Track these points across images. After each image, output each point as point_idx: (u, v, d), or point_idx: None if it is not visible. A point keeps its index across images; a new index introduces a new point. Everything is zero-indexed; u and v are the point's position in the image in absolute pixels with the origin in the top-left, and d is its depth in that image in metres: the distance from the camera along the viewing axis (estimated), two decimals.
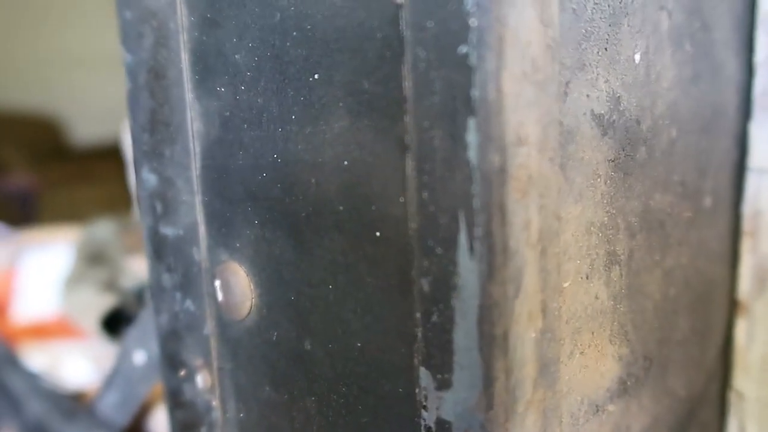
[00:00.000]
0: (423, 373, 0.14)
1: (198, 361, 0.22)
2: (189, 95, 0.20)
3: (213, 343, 0.21)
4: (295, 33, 0.16)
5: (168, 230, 0.22)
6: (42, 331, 0.60)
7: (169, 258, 0.22)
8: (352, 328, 0.16)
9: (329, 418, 0.17)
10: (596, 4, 0.15)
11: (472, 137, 0.12)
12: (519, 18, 0.12)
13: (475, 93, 0.12)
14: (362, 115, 0.15)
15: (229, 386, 0.21)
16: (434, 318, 0.14)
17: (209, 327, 0.21)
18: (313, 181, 0.16)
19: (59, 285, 0.61)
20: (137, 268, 0.64)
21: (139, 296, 0.55)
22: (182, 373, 0.23)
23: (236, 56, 0.18)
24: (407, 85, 0.14)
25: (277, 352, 0.19)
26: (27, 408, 0.41)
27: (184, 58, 0.20)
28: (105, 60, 4.19)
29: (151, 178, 0.22)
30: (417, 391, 0.15)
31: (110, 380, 0.35)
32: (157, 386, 0.34)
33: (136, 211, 1.25)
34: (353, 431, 0.16)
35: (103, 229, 0.71)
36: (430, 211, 0.13)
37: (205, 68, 0.19)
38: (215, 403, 0.22)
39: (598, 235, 0.16)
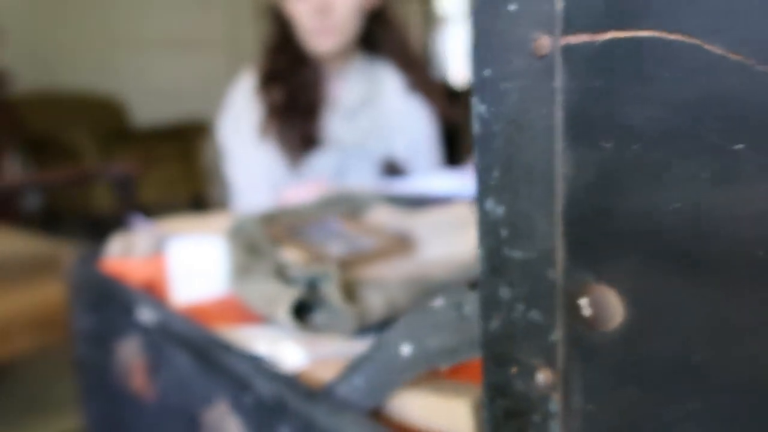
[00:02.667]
0: None
1: (536, 361, 0.27)
2: (559, 145, 0.24)
3: (561, 348, 0.26)
4: (715, 110, 0.20)
5: (515, 253, 0.26)
6: (203, 316, 0.65)
7: (511, 275, 0.27)
8: (762, 350, 0.20)
9: (716, 415, 0.21)
10: None
11: None
12: None
13: None
14: None
15: (577, 384, 0.25)
16: None
17: (557, 334, 0.26)
18: (727, 230, 0.20)
19: (229, 274, 0.67)
20: (288, 259, 0.70)
21: (310, 286, 0.60)
22: (513, 369, 0.28)
23: (632, 121, 0.22)
24: None
25: (650, 360, 0.23)
26: (254, 387, 0.47)
27: (558, 116, 0.24)
28: (165, 44, 4.29)
29: (498, 210, 0.27)
30: None
31: (358, 366, 0.40)
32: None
33: (232, 199, 1.31)
34: (749, 429, 0.20)
35: (250, 222, 0.76)
36: None
37: (589, 127, 0.23)
38: (556, 396, 0.26)
39: None
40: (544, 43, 0.24)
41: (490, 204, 0.27)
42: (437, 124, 1.34)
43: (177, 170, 3.45)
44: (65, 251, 1.47)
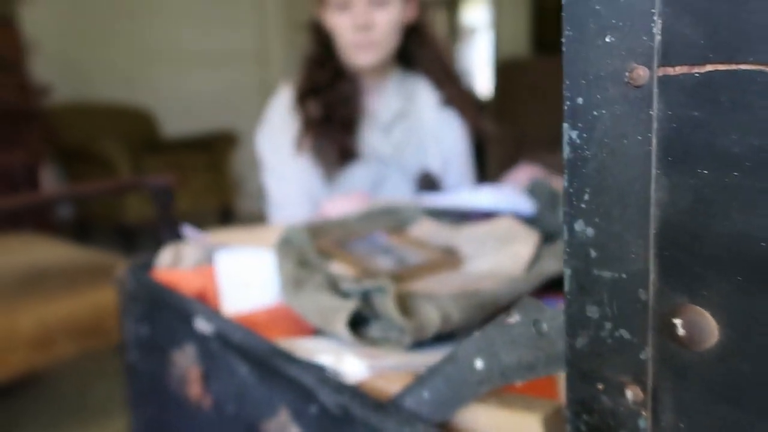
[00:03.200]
0: None
1: (625, 378, 0.27)
2: (654, 171, 0.25)
3: (651, 366, 0.26)
4: None
5: (604, 273, 0.27)
6: (254, 326, 0.67)
7: (599, 294, 0.28)
8: None
9: None
10: None
11: None
12: None
13: None
14: None
15: (668, 401, 0.26)
16: None
17: (648, 352, 0.26)
18: None
19: (281, 286, 0.68)
20: (339, 272, 0.71)
21: (364, 299, 0.61)
22: (599, 386, 0.28)
23: (731, 149, 0.23)
24: None
25: (746, 380, 0.24)
26: (319, 398, 0.48)
27: (654, 142, 0.25)
28: (195, 57, 4.36)
29: (587, 231, 0.28)
30: None
31: (428, 379, 0.41)
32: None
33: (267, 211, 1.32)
34: None
35: (299, 234, 0.78)
36: None
37: (686, 154, 0.24)
38: (645, 413, 0.27)
39: None
40: (641, 73, 0.25)
41: (579, 225, 0.28)
42: (470, 137, 1.35)
43: (206, 181, 3.50)
44: (110, 260, 1.50)
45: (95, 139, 3.22)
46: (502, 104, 4.52)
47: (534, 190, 1.04)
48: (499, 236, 0.83)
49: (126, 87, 3.97)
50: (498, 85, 4.68)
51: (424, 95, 1.31)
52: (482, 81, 5.18)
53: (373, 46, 1.16)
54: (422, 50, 1.28)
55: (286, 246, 0.75)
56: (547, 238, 0.87)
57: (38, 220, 2.29)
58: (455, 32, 5.41)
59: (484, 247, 0.80)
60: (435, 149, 1.29)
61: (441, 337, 0.60)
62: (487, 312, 0.62)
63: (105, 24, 4.03)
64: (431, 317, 0.56)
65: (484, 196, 0.98)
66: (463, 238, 0.84)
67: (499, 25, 5.02)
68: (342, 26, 1.15)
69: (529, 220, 0.95)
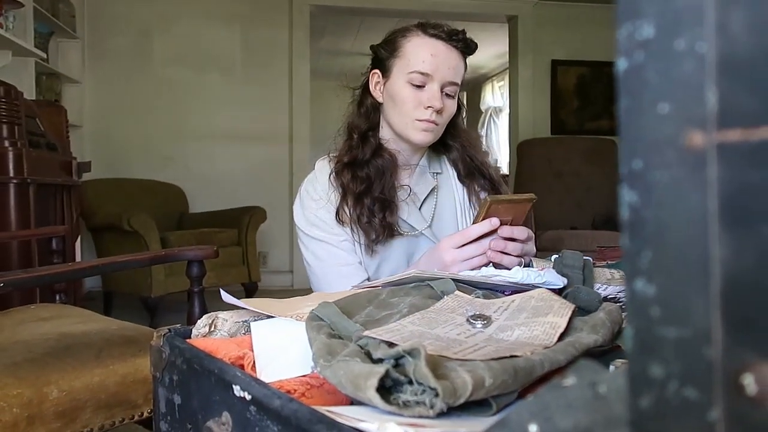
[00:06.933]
0: None
1: None
2: (716, 229, 0.26)
3: (721, 426, 0.26)
4: None
5: (668, 331, 0.28)
6: (291, 395, 0.66)
7: (663, 353, 0.28)
8: None
9: None
10: None
11: None
12: None
13: None
14: None
15: None
16: None
17: (717, 412, 0.26)
18: None
19: (314, 356, 0.68)
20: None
21: (397, 364, 0.60)
22: None
23: None
24: None
25: None
26: None
27: (713, 203, 0.26)
28: (222, 138, 4.54)
29: (648, 290, 0.28)
30: None
31: None
32: None
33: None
34: None
35: (329, 310, 0.79)
36: None
37: (746, 213, 0.25)
38: None
39: None
40: (697, 138, 0.26)
41: (640, 284, 0.29)
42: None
43: (231, 255, 3.53)
44: (139, 331, 1.51)
45: (125, 214, 3.31)
46: (520, 180, 4.59)
47: (564, 262, 1.05)
48: (533, 307, 0.83)
49: (159, 165, 4.11)
50: (516, 161, 4.77)
51: (451, 171, 1.35)
52: (503, 158, 5.27)
53: (434, 129, 1.20)
54: (453, 143, 1.33)
55: (317, 321, 0.76)
56: (579, 309, 0.87)
57: (68, 290, 2.33)
58: (476, 112, 5.56)
59: (518, 317, 0.80)
60: (463, 222, 1.31)
61: (474, 407, 0.59)
62: (521, 379, 0.61)
63: (142, 105, 4.22)
64: (465, 379, 0.56)
65: (516, 271, 0.98)
66: (496, 308, 0.84)
67: (519, 107, 5.16)
68: (414, 101, 1.18)
69: (561, 291, 0.95)
